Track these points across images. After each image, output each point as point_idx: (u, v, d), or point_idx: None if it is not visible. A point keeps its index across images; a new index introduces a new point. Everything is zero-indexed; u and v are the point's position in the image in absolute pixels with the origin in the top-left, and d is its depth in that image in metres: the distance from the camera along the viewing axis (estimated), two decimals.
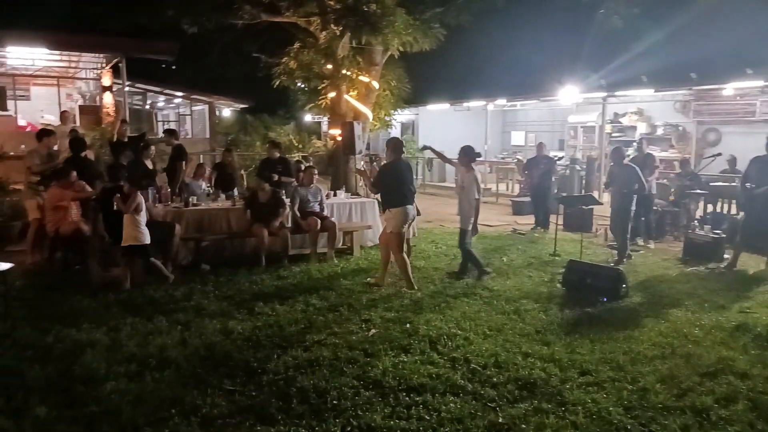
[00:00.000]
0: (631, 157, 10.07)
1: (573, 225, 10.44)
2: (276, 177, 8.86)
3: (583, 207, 10.02)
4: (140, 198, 6.45)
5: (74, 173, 7.29)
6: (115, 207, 6.42)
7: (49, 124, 11.93)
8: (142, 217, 6.49)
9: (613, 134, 16.57)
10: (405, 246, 7.83)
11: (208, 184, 9.31)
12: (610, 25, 10.06)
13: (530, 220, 11.56)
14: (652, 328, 5.43)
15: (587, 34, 12.52)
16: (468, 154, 7.18)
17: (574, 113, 18.34)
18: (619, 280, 6.45)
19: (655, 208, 9.77)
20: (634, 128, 16.36)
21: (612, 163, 8.69)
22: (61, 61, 15.02)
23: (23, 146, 11.21)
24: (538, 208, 11.17)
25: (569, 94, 14.24)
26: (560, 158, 13.36)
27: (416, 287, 6.70)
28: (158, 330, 5.25)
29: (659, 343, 5.04)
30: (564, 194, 12.08)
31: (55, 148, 8.41)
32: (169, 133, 10.42)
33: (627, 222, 8.16)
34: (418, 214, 8.09)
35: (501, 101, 18.13)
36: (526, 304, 6.15)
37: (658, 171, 10.08)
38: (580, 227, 9.62)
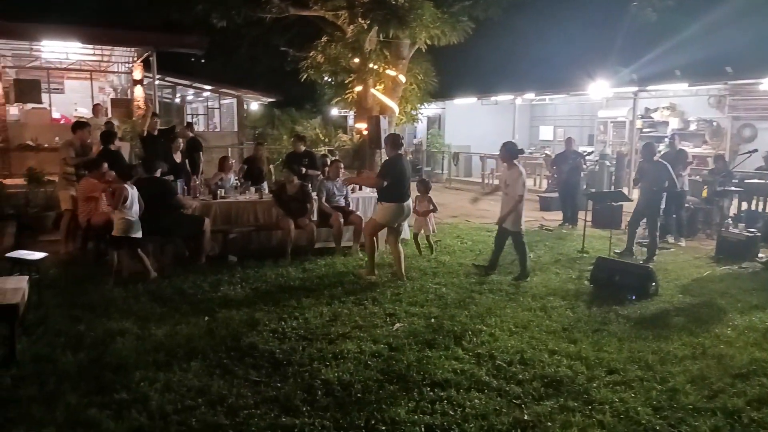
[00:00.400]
0: (662, 153, 9.87)
1: (602, 221, 10.28)
2: (304, 170, 8.90)
3: (613, 203, 9.87)
4: (127, 191, 6.45)
5: (105, 165, 7.42)
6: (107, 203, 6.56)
7: (83, 117, 12.18)
8: (132, 210, 6.51)
9: (644, 129, 16.27)
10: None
11: (237, 177, 9.39)
12: (643, 18, 9.83)
13: (558, 216, 11.42)
14: (683, 328, 5.32)
15: (619, 27, 12.29)
16: (510, 151, 7.01)
17: (604, 108, 18.06)
18: (648, 278, 6.34)
19: (687, 205, 9.56)
20: (666, 123, 16.04)
21: (642, 159, 8.52)
22: (94, 54, 15.30)
23: (57, 138, 11.46)
24: (566, 204, 11.02)
25: (600, 88, 14.00)
26: (589, 153, 13.16)
27: (375, 276, 6.85)
28: (186, 320, 5.33)
29: (690, 343, 4.94)
30: (593, 190, 11.90)
31: (89, 140, 8.57)
32: (187, 126, 10.63)
33: (656, 220, 8.00)
34: (434, 209, 8.05)
35: (529, 95, 17.93)
36: (552, 301, 6.09)
37: (690, 167, 9.86)
38: (609, 224, 9.45)
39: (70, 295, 5.98)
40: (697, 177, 10.82)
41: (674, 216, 9.21)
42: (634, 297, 6.16)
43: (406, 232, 8.68)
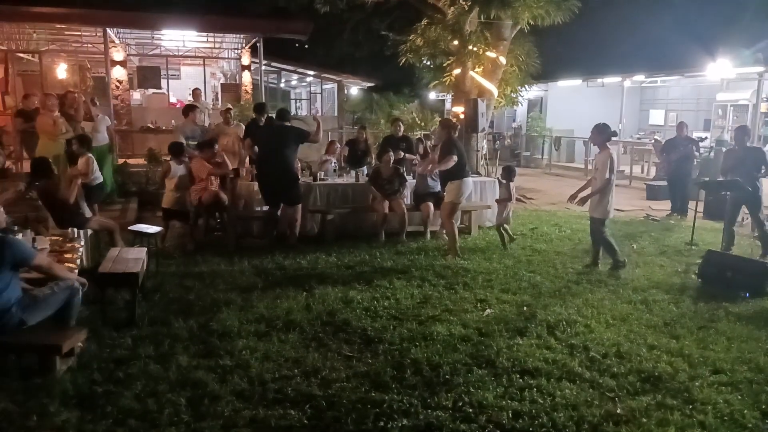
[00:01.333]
0: None
1: (715, 213, 9.57)
2: (402, 154, 8.99)
3: (728, 193, 9.15)
4: (174, 167, 7.39)
5: (216, 146, 7.91)
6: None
7: (190, 101, 13.00)
8: (174, 184, 7.39)
9: None
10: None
11: (338, 160, 9.67)
12: None
13: (666, 205, 10.78)
14: None
15: (742, 2, 11.25)
16: (602, 133, 6.66)
17: (723, 90, 16.69)
18: (765, 275, 5.86)
19: None
20: None
21: (735, 145, 7.88)
22: (207, 42, 16.23)
23: (173, 121, 12.31)
24: (676, 193, 10.37)
25: (720, 68, 12.93)
26: (702, 140, 12.25)
27: (460, 257, 7.07)
28: (285, 294, 5.62)
29: None
30: (706, 179, 11.10)
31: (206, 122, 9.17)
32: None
33: (761, 209, 7.48)
34: (509, 199, 7.70)
35: (639, 77, 16.91)
36: (655, 294, 5.80)
37: None
38: (722, 215, 8.79)
39: (182, 266, 6.48)
40: None
41: None
42: (747, 294, 5.73)
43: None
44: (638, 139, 17.83)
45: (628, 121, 18.22)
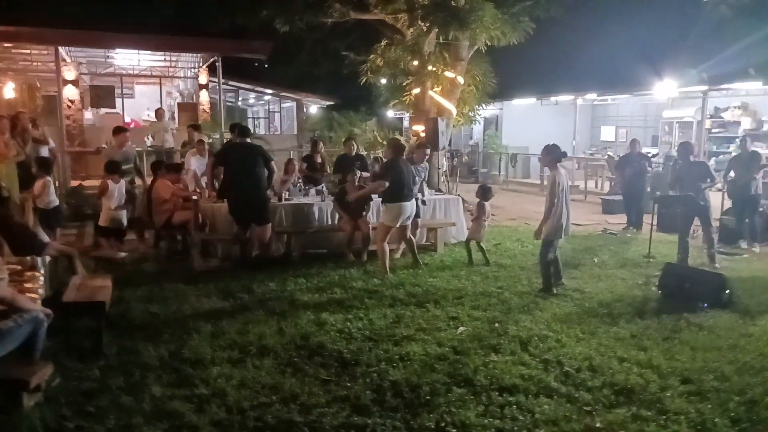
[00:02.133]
0: (734, 155, 9.50)
1: (668, 226, 9.94)
2: (359, 174, 8.99)
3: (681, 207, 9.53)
4: (111, 185, 7.42)
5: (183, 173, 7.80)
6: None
7: (149, 121, 12.74)
8: (111, 202, 7.45)
9: (713, 130, 15.63)
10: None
11: (298, 177, 9.61)
12: (717, 15, 9.45)
13: (621, 219, 11.14)
14: (760, 338, 5.12)
15: (689, 24, 11.82)
16: (550, 153, 6.48)
17: (669, 108, 17.46)
18: (722, 285, 6.11)
19: (761, 209, 9.15)
20: (737, 124, 15.36)
21: (679, 160, 8.28)
22: (163, 61, 15.98)
23: (130, 142, 11.98)
24: (631, 207, 10.73)
25: (667, 88, 13.55)
26: (654, 156, 12.77)
27: (389, 275, 7.05)
28: (256, 319, 5.52)
29: None
30: (658, 193, 11.53)
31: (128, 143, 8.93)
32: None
33: (711, 219, 7.95)
34: (479, 217, 7.81)
35: (591, 95, 17.54)
36: (619, 307, 5.96)
37: (764, 170, 9.43)
38: (676, 228, 9.14)
39: (147, 292, 6.30)
40: None
41: (747, 221, 8.85)
42: (706, 305, 5.96)
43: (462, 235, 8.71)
44: (591, 155, 18.43)
45: (580, 138, 18.83)
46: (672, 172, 8.63)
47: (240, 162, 7.30)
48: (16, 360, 3.80)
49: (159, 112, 12.61)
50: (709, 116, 15.16)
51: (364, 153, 11.27)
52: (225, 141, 9.89)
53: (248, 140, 7.62)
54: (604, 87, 16.41)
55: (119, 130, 8.86)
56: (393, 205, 7.06)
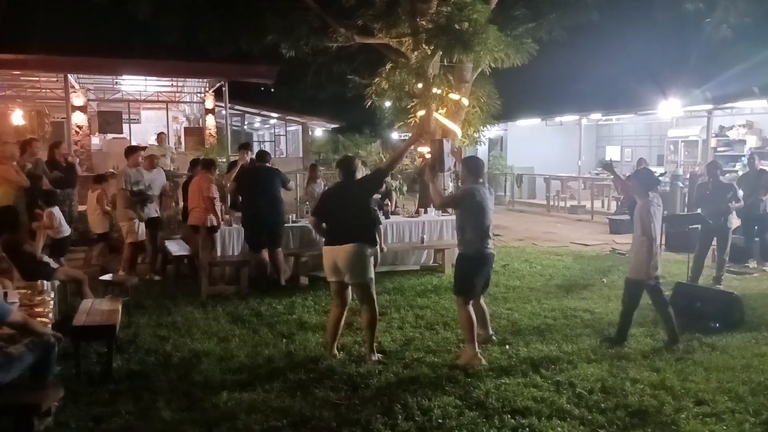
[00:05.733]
0: (741, 174, 9.49)
1: (676, 245, 9.90)
2: None
3: (689, 227, 9.50)
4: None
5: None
6: None
7: (153, 145, 12.83)
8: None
9: (719, 149, 15.65)
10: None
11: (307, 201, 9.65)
12: (718, 36, 9.55)
13: (629, 239, 11.07)
14: None
15: (691, 45, 11.94)
16: (643, 180, 5.71)
17: (673, 127, 17.51)
18: (734, 305, 6.07)
19: None
20: (742, 142, 15.37)
21: (708, 179, 8.18)
22: (170, 86, 16.19)
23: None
24: None
25: (671, 107, 13.61)
26: (662, 174, 12.76)
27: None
28: (265, 342, 5.50)
29: None
30: (665, 212, 11.50)
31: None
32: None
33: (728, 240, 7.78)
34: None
35: (595, 115, 17.62)
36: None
37: None
38: (685, 247, 9.10)
39: (156, 316, 6.29)
40: None
41: (757, 239, 8.80)
42: (717, 325, 5.90)
43: None
44: (596, 174, 18.42)
45: (585, 158, 18.86)
46: (697, 191, 8.56)
47: (260, 185, 7.36)
48: (27, 384, 3.79)
49: (161, 137, 12.74)
50: (714, 135, 15.19)
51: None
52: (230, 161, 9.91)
53: (267, 164, 7.67)
54: (608, 107, 16.51)
55: (132, 150, 8.32)
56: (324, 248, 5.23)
